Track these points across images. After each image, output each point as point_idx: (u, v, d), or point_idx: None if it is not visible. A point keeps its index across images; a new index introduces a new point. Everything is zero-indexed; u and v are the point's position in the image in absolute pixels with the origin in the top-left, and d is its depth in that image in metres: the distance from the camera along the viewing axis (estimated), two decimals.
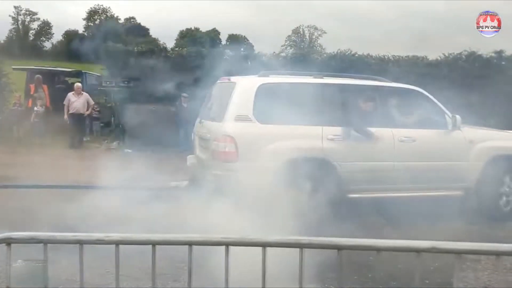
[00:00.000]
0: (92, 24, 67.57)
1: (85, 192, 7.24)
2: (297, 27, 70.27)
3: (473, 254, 2.33)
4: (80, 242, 2.11)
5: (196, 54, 14.56)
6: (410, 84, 7.32)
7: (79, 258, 2.12)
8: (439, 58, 14.42)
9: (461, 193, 6.83)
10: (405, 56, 14.51)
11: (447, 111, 6.93)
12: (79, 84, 14.34)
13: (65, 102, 13.54)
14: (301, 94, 6.27)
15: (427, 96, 6.98)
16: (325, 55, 16.36)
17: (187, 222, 4.74)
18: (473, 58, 14.01)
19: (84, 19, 69.02)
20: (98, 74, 16.22)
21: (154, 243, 2.20)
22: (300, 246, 2.21)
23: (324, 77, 6.93)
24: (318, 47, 56.00)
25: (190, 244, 2.23)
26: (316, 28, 70.63)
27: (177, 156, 9.65)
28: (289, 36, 69.61)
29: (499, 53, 13.87)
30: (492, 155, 6.87)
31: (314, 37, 71.46)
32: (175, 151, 10.87)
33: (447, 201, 6.65)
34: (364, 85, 7.06)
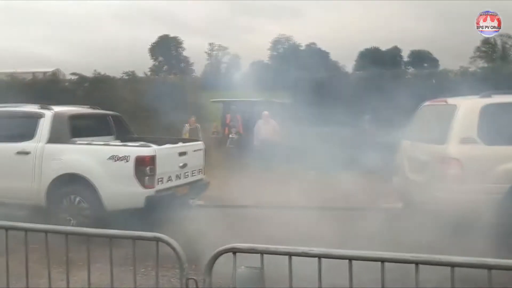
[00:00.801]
0: (276, 53, 71.75)
1: (295, 211, 7.84)
2: (487, 36, 64.49)
3: None
4: (289, 254, 2.51)
5: (377, 75, 14.66)
6: None
7: (288, 267, 2.52)
8: None
9: None
10: None
11: None
12: (267, 112, 15.46)
13: (255, 129, 14.85)
14: None
15: None
16: None
17: (423, 243, 5.00)
18: None
19: (268, 49, 73.52)
20: (283, 101, 17.32)
21: (349, 258, 2.48)
22: (487, 267, 2.27)
23: None
24: None
25: (382, 260, 2.46)
26: (509, 37, 63.75)
27: (363, 177, 9.71)
28: (478, 47, 64.48)
29: None
30: None
31: (507, 46, 64.81)
32: (358, 172, 10.96)
33: None
34: None
